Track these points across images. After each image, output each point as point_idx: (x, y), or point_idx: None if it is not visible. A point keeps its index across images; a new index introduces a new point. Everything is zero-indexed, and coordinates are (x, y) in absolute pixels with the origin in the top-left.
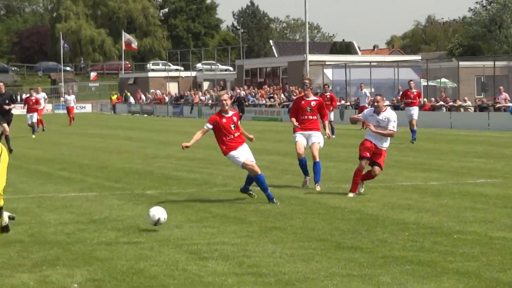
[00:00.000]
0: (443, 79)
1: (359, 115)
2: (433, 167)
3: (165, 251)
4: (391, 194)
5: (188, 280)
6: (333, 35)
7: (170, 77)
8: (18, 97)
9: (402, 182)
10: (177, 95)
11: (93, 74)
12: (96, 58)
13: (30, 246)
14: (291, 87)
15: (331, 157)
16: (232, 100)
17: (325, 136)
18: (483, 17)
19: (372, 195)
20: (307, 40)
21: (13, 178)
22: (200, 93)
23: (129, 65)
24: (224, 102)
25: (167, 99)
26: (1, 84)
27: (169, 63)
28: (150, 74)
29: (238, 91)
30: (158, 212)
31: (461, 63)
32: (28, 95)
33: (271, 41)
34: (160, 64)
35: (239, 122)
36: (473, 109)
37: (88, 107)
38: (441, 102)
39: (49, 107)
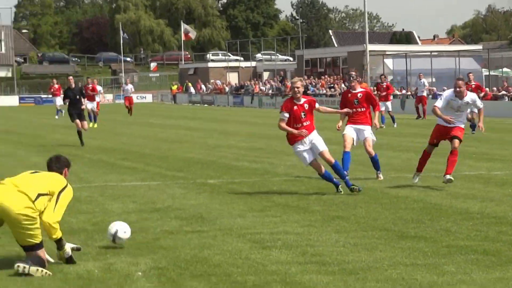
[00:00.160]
0: (505, 69)
1: (439, 100)
2: (496, 156)
3: (228, 240)
4: (454, 184)
5: (252, 269)
6: (393, 25)
7: (230, 67)
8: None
9: (465, 172)
10: (237, 85)
11: (153, 65)
12: (156, 48)
13: (94, 235)
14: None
15: (393, 146)
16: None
17: (373, 127)
18: None
19: (435, 184)
20: (367, 29)
21: (76, 167)
22: (260, 83)
23: (189, 56)
24: (296, 89)
25: (227, 89)
26: (71, 78)
27: (228, 53)
28: (210, 64)
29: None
30: (116, 224)
31: None
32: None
33: (330, 31)
34: (220, 54)
35: (316, 106)
36: None
37: (148, 97)
38: (503, 92)
39: (109, 97)
